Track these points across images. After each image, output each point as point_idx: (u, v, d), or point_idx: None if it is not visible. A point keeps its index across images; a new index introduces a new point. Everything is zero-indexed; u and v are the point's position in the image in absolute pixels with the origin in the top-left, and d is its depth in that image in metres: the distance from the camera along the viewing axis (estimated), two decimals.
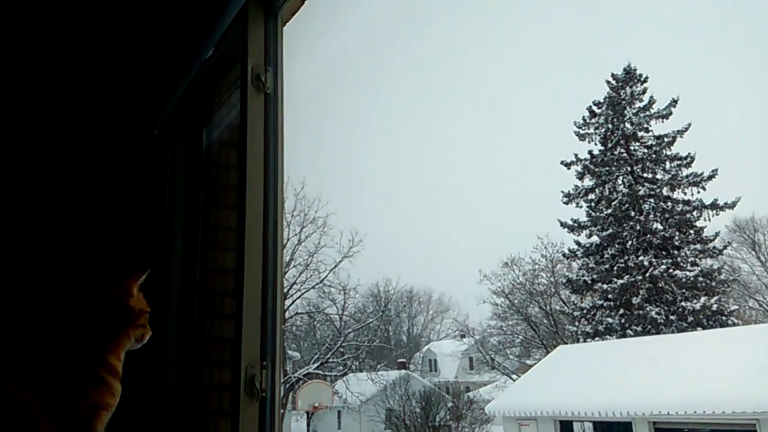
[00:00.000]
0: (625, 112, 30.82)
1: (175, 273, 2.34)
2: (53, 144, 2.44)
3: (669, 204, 29.10)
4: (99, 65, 2.48)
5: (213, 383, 2.16)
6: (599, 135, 31.30)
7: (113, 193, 2.46)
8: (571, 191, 31.50)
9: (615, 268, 28.82)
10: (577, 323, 30.04)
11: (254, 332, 1.66)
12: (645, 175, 29.95)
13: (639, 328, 27.01)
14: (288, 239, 28.38)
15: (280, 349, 1.76)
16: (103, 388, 1.30)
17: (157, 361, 2.23)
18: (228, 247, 2.17)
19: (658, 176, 29.87)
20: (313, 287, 29.88)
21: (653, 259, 27.82)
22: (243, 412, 1.60)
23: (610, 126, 30.81)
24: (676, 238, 28.37)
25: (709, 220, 28.96)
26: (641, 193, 29.11)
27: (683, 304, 26.95)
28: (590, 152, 31.18)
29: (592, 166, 30.92)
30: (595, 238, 30.42)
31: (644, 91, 31.21)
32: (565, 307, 31.68)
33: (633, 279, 27.94)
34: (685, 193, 29.42)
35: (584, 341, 28.04)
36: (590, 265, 30.01)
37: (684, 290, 27.44)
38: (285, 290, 28.64)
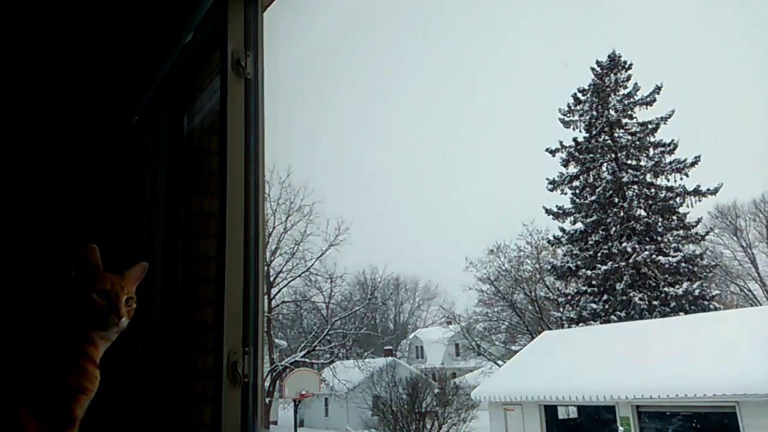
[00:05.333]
0: (610, 99, 30.96)
1: (158, 260, 2.33)
2: (31, 132, 2.41)
3: (652, 190, 29.35)
4: (77, 51, 2.44)
5: (196, 370, 2.15)
6: (584, 122, 31.43)
7: (93, 180, 2.43)
8: (556, 178, 31.65)
9: (599, 254, 29.07)
10: (561, 309, 30.31)
11: (236, 319, 1.66)
12: (629, 161, 30.14)
13: (622, 314, 27.32)
14: (274, 228, 28.35)
15: (263, 335, 1.77)
16: (80, 373, 1.29)
17: (141, 348, 2.23)
18: (211, 234, 2.16)
19: (642, 163, 30.09)
20: (300, 276, 29.95)
21: (636, 246, 28.09)
22: (225, 398, 1.60)
23: (594, 113, 30.94)
24: (659, 224, 28.64)
25: (692, 206, 29.30)
26: (625, 179, 29.32)
27: (666, 289, 27.27)
28: (575, 139, 31.31)
29: (576, 153, 31.06)
30: (579, 225, 30.63)
31: (628, 78, 31.34)
32: (550, 293, 31.95)
33: (617, 265, 28.21)
34: (668, 180, 29.71)
35: (568, 327, 28.32)
36: (574, 252, 30.24)
37: (667, 276, 27.76)
38: (271, 279, 28.61)
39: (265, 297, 27.58)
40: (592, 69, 31.83)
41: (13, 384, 1.23)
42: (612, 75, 31.44)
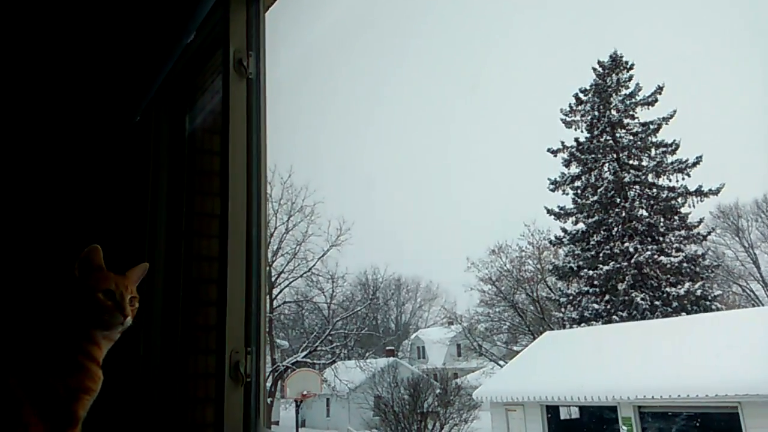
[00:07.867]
0: (611, 99, 30.91)
1: (160, 260, 2.33)
2: (34, 132, 2.41)
3: (654, 191, 29.30)
4: (79, 52, 2.44)
5: (199, 370, 2.15)
6: (585, 122, 31.39)
7: (95, 180, 2.43)
8: (558, 178, 31.61)
9: (601, 254, 29.03)
10: (563, 309, 30.28)
11: (238, 318, 1.66)
12: (630, 162, 30.10)
13: (624, 314, 27.28)
14: (275, 228, 28.34)
15: (265, 335, 1.77)
16: (83, 373, 1.29)
17: (143, 348, 2.23)
18: (213, 234, 2.16)
19: (644, 163, 30.05)
20: (301, 276, 29.92)
21: (638, 246, 28.05)
22: (228, 398, 1.60)
23: (596, 113, 30.90)
24: (661, 224, 28.60)
25: (694, 206, 29.26)
26: (627, 180, 29.29)
27: (668, 289, 27.23)
28: (576, 140, 31.27)
29: (578, 154, 31.02)
30: (581, 225, 30.59)
31: (630, 78, 31.29)
32: (552, 294, 31.91)
33: (618, 265, 28.17)
34: (670, 180, 29.66)
35: (570, 327, 28.29)
36: (576, 252, 30.20)
37: (669, 276, 27.72)
38: (273, 279, 28.61)
39: (267, 297, 27.56)
40: (594, 69, 31.79)
41: (16, 384, 1.23)
42: (614, 75, 31.39)
